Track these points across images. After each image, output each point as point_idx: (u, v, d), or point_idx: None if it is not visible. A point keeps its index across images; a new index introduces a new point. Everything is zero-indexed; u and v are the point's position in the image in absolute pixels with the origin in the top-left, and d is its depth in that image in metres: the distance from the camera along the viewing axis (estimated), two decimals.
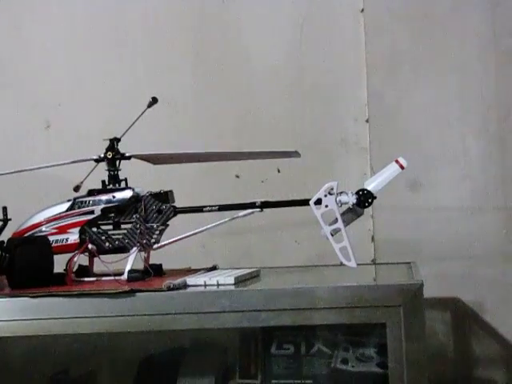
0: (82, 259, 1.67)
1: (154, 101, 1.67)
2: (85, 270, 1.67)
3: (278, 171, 2.07)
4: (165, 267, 1.70)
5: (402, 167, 1.60)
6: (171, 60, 2.10)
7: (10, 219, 1.59)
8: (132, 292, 1.45)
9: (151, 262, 1.68)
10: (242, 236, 2.04)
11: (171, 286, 1.48)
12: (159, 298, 1.45)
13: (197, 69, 2.09)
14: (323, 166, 2.05)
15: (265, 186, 2.07)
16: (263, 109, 2.08)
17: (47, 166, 1.73)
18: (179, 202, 1.67)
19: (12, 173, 1.73)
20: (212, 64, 2.09)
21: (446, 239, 2.01)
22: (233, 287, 1.50)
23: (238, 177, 2.08)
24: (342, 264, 1.58)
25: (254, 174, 2.06)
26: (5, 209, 1.58)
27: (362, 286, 1.42)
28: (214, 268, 1.76)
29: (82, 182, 1.69)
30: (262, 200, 1.64)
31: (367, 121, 2.05)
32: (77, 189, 1.69)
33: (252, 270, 1.66)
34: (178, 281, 1.52)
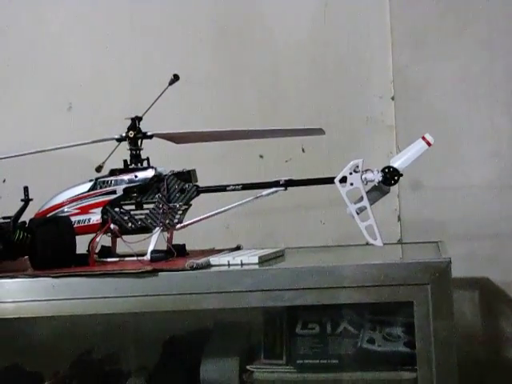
0: (104, 240, 1.66)
1: (176, 78, 1.65)
2: (107, 251, 1.66)
3: (303, 151, 2.05)
4: (189, 248, 1.68)
5: (428, 144, 1.57)
6: (193, 37, 2.07)
7: (31, 199, 1.58)
8: (155, 272, 1.44)
9: (175, 242, 1.66)
10: (266, 216, 2.03)
11: (194, 266, 1.46)
12: (182, 278, 1.44)
13: (219, 46, 2.07)
14: (348, 144, 2.02)
15: (289, 166, 2.05)
16: (287, 87, 2.05)
17: (69, 146, 1.72)
18: (202, 183, 1.65)
19: (33, 153, 1.72)
20: (235, 41, 2.07)
21: (473, 218, 1.97)
22: (257, 266, 1.48)
23: (261, 157, 2.06)
24: (367, 244, 1.56)
25: (278, 154, 2.04)
26: (26, 189, 1.57)
27: (389, 263, 1.40)
28: (237, 248, 1.75)
29: (104, 162, 1.68)
30: (286, 179, 1.61)
31: (393, 98, 2.02)
32: (99, 169, 1.68)
33: (276, 249, 1.64)
34: (202, 260, 1.50)
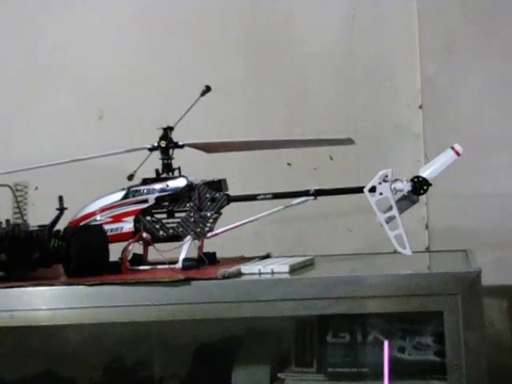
0: (136, 248, 1.68)
1: (208, 89, 1.67)
2: (139, 259, 1.68)
3: (331, 158, 2.06)
4: (218, 255, 1.70)
5: (457, 154, 1.58)
6: (222, 47, 2.09)
7: (66, 208, 1.60)
8: (187, 280, 1.45)
9: (205, 250, 1.68)
10: (294, 224, 2.04)
11: (226, 275, 1.48)
12: (214, 287, 1.45)
13: (248, 55, 2.09)
14: (376, 152, 2.04)
15: (317, 174, 2.06)
16: (315, 95, 2.07)
17: (102, 156, 1.74)
18: (230, 191, 1.67)
19: (67, 162, 1.75)
20: (263, 50, 2.09)
21: (501, 226, 1.98)
22: (288, 275, 1.50)
23: (289, 164, 2.07)
24: (395, 252, 1.57)
25: (306, 162, 2.05)
26: (61, 198, 1.60)
27: (420, 273, 1.41)
28: (267, 256, 1.76)
29: (135, 171, 1.70)
30: (316, 188, 1.63)
31: (420, 107, 2.03)
32: (130, 177, 1.70)
33: (306, 257, 1.66)
34: (233, 269, 1.52)
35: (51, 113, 2.14)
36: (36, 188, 2.12)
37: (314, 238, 2.06)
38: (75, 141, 2.12)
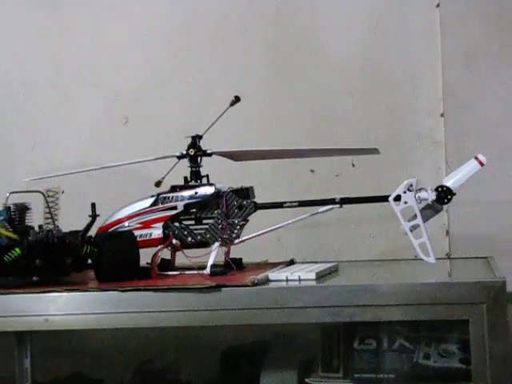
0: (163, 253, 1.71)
1: (237, 100, 1.71)
2: (167, 264, 1.72)
3: (353, 165, 2.08)
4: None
5: (481, 164, 1.61)
6: (247, 55, 2.12)
7: (98, 215, 1.63)
8: (218, 287, 1.48)
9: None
10: (316, 229, 2.07)
11: (255, 282, 1.51)
12: (244, 293, 1.48)
13: (272, 64, 2.11)
14: (398, 160, 2.06)
15: (339, 181, 2.09)
16: (338, 103, 2.09)
17: (131, 163, 1.77)
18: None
19: (96, 169, 1.78)
20: (287, 58, 2.11)
21: None
22: (314, 282, 1.53)
23: (312, 171, 2.10)
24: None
25: (329, 169, 2.08)
26: (93, 205, 1.63)
27: (445, 282, 1.44)
28: (291, 262, 1.79)
29: (163, 178, 1.73)
30: (342, 196, 1.66)
31: (442, 115, 2.05)
32: (158, 184, 1.74)
33: (331, 264, 1.69)
34: (261, 276, 1.55)
35: (78, 118, 2.17)
36: (63, 192, 2.17)
37: (335, 243, 2.08)
38: (101, 145, 2.16)
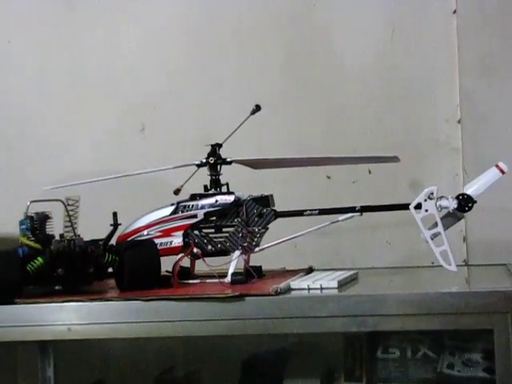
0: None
1: (258, 108, 1.71)
2: (187, 272, 1.72)
3: (369, 172, 2.08)
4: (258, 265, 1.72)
5: (502, 172, 1.62)
6: (262, 61, 2.12)
7: (120, 224, 1.63)
8: (241, 296, 1.48)
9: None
10: (333, 236, 2.06)
11: (278, 291, 1.51)
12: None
13: (288, 70, 2.11)
14: (414, 166, 2.05)
15: (356, 187, 2.08)
16: (355, 110, 2.09)
17: (151, 171, 1.78)
18: None
19: (116, 177, 1.78)
20: (303, 65, 2.11)
21: None
22: (337, 291, 1.53)
23: (329, 178, 2.10)
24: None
25: (345, 175, 2.07)
26: (115, 214, 1.62)
27: (470, 292, 1.44)
28: (311, 270, 1.79)
29: (182, 186, 1.73)
30: (362, 204, 1.66)
31: (459, 121, 2.05)
32: (177, 192, 1.73)
33: (351, 272, 1.69)
34: (283, 284, 1.55)
35: (94, 126, 2.17)
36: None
37: (352, 250, 2.08)
38: (117, 153, 2.15)
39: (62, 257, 1.56)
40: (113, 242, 1.66)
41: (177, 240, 1.69)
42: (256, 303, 1.48)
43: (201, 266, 1.67)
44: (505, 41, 2.03)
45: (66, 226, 1.66)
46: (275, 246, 1.72)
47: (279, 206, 1.70)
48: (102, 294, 1.57)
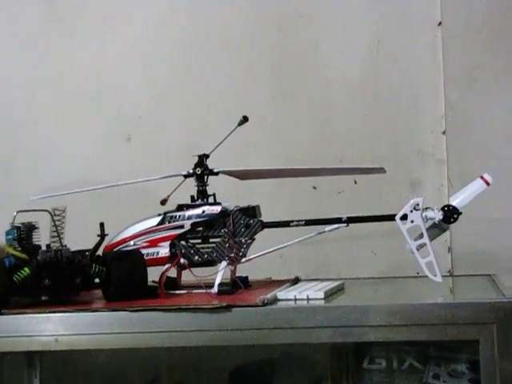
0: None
1: (245, 119, 1.72)
2: (173, 283, 1.72)
3: (355, 183, 2.09)
4: (243, 275, 1.72)
5: (487, 183, 1.63)
6: (248, 73, 2.13)
7: (107, 234, 1.64)
8: (228, 307, 1.48)
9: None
10: (319, 246, 2.07)
11: (265, 301, 1.51)
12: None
13: (274, 81, 2.12)
14: (400, 177, 2.07)
15: (341, 198, 2.09)
16: (340, 121, 2.10)
17: (138, 182, 1.78)
18: None
19: (102, 188, 1.78)
20: (289, 76, 2.12)
21: None
22: (323, 302, 1.53)
23: (315, 188, 2.11)
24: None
25: (331, 186, 2.08)
26: (102, 224, 1.63)
27: (456, 303, 1.45)
28: (297, 280, 1.80)
29: (168, 196, 1.74)
30: (349, 215, 1.67)
31: (444, 133, 2.07)
32: (164, 202, 1.74)
33: (337, 283, 1.70)
34: (270, 295, 1.55)
35: (80, 135, 2.17)
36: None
37: (338, 259, 2.09)
38: (103, 162, 2.15)
39: (49, 267, 1.56)
40: (100, 252, 1.66)
41: (163, 250, 1.69)
42: (243, 314, 1.48)
43: (188, 277, 1.67)
44: (490, 53, 2.04)
45: (52, 237, 1.66)
46: (261, 256, 1.72)
47: (266, 217, 1.71)
48: (89, 304, 1.57)
